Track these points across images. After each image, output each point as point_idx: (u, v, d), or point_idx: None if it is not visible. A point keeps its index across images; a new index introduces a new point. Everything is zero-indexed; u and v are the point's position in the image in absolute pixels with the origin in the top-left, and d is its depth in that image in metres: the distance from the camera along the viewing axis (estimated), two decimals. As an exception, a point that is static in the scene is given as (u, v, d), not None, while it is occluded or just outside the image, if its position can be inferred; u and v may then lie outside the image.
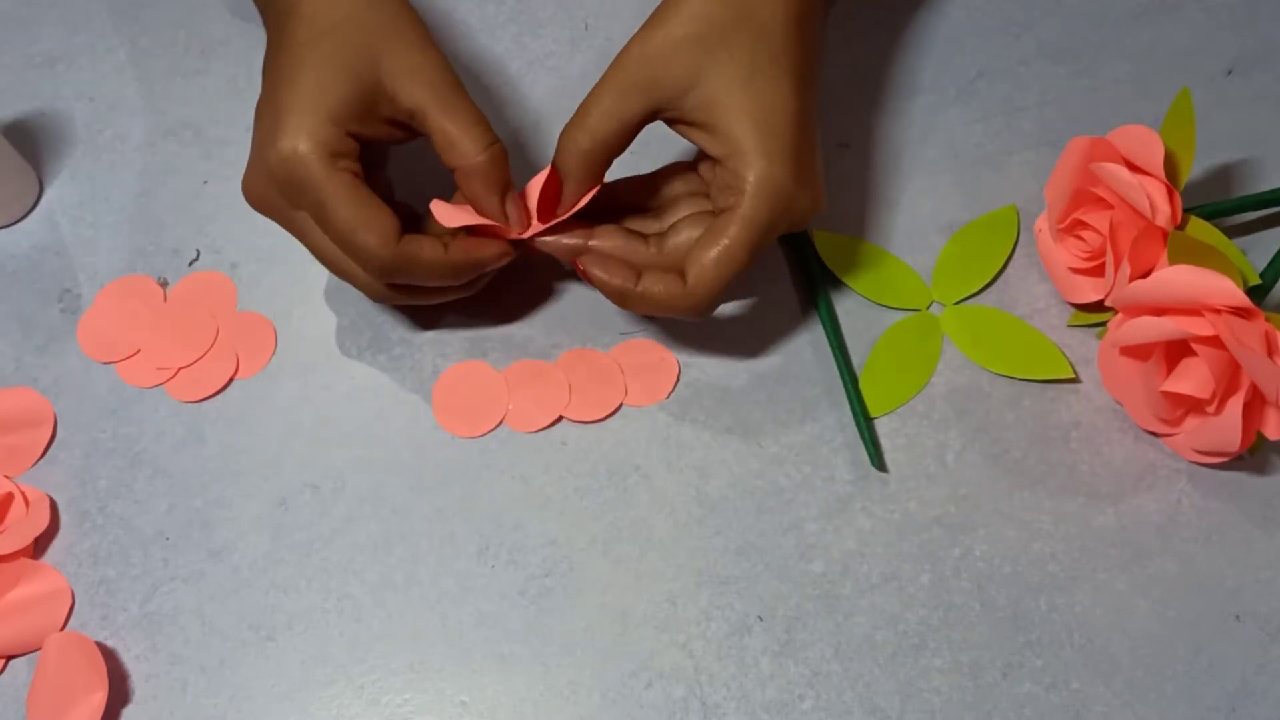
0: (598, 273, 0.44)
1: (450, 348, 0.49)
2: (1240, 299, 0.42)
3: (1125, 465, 0.47)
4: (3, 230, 0.52)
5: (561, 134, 0.44)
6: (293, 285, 0.51)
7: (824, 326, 0.49)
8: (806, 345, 0.49)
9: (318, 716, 0.43)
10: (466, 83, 0.55)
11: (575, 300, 0.50)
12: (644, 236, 0.46)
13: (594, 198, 0.45)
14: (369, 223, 0.41)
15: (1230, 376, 0.43)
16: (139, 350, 0.49)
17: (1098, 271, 0.48)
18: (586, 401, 0.48)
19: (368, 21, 0.42)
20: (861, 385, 0.48)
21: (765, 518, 0.46)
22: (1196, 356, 0.43)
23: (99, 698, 0.42)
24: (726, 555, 0.45)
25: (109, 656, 0.43)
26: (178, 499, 0.46)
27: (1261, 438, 0.44)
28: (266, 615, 0.44)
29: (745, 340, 0.49)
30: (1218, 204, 0.51)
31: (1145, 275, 0.45)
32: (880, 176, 0.53)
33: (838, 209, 0.52)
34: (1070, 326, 0.50)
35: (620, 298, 0.44)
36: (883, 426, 0.48)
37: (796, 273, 0.51)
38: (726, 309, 0.50)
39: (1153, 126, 0.46)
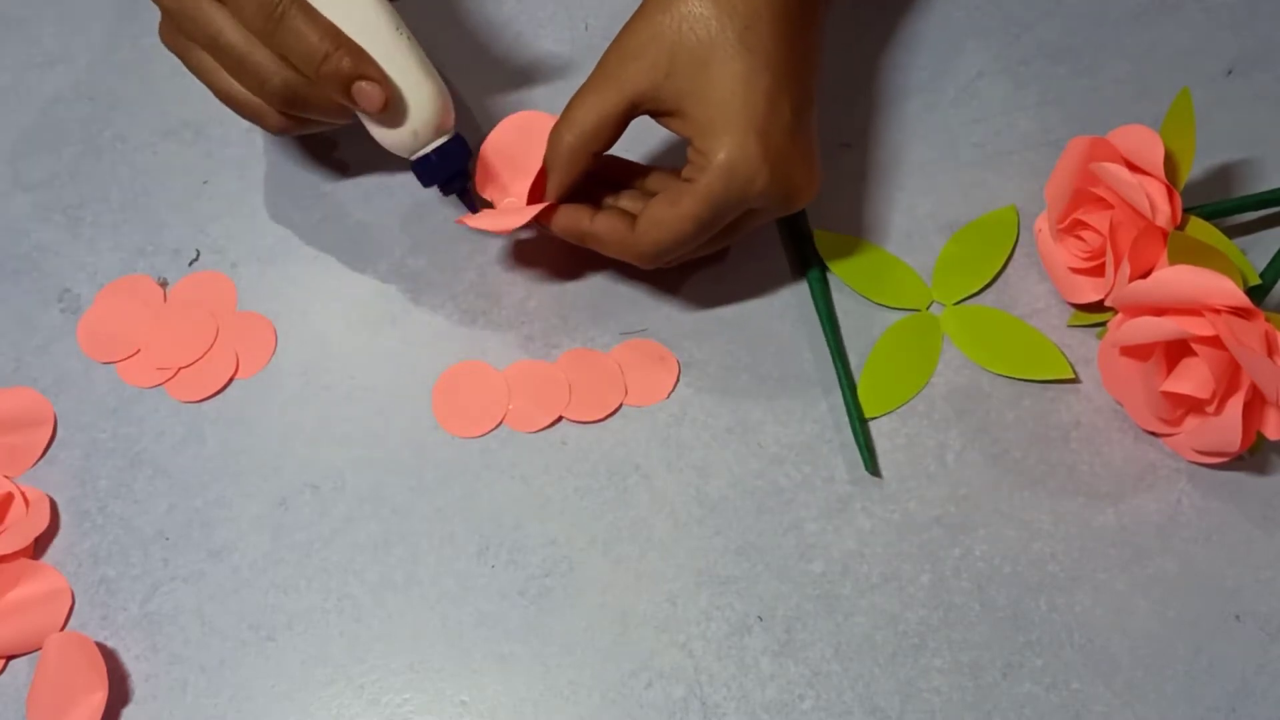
0: (560, 216, 0.46)
1: (450, 348, 0.49)
2: (1240, 299, 0.42)
3: (1125, 465, 0.47)
4: (3, 231, 0.52)
5: (550, 132, 0.46)
6: (293, 285, 0.51)
7: (823, 327, 0.49)
8: (806, 345, 0.49)
9: (318, 716, 0.43)
10: (466, 82, 0.55)
11: (575, 300, 0.50)
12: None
13: (583, 171, 0.46)
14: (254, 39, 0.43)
15: (1230, 376, 0.43)
16: (139, 350, 0.49)
17: (1098, 271, 0.48)
18: (586, 401, 0.48)
19: None
20: (861, 385, 0.48)
21: (765, 518, 0.46)
22: (1196, 356, 0.43)
23: (99, 698, 0.42)
24: (726, 555, 0.45)
25: (109, 656, 0.43)
26: (178, 499, 0.46)
27: (1261, 438, 0.44)
28: (266, 615, 0.44)
29: (745, 340, 0.49)
30: (1218, 204, 0.51)
31: (1145, 275, 0.45)
32: (880, 176, 0.53)
33: (838, 209, 0.52)
34: (1070, 326, 0.50)
35: (574, 233, 0.46)
36: (883, 426, 0.48)
37: (797, 273, 0.51)
38: (727, 309, 0.50)
39: (1153, 126, 0.46)
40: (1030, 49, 0.57)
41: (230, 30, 0.43)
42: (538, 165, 0.47)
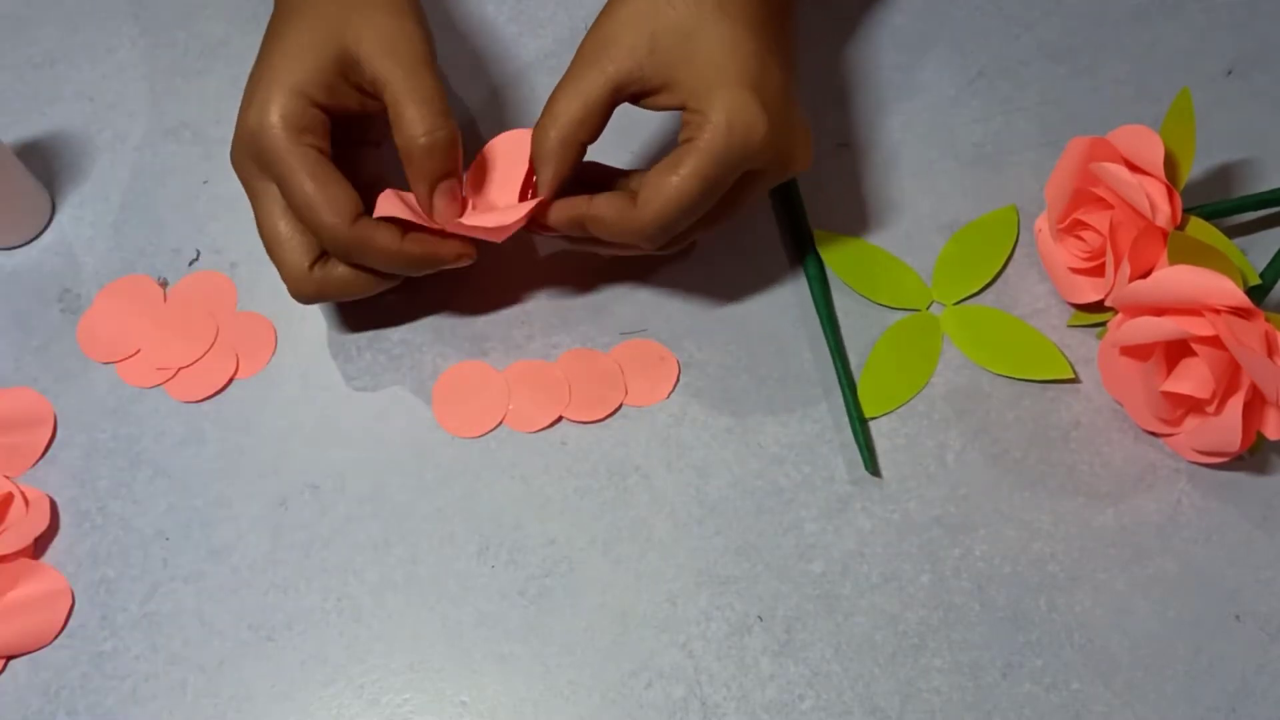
0: (555, 208, 0.44)
1: (450, 348, 0.49)
2: (1240, 299, 0.42)
3: (1125, 465, 0.47)
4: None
5: (533, 130, 0.45)
6: (293, 285, 0.51)
7: (823, 327, 0.49)
8: (806, 345, 0.49)
9: (317, 716, 0.43)
10: (466, 82, 0.55)
11: (575, 300, 0.50)
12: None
13: (568, 178, 0.45)
14: (327, 200, 0.42)
15: (1230, 376, 0.43)
16: (139, 350, 0.49)
17: (1098, 271, 0.48)
18: (586, 401, 0.48)
19: None
20: (861, 385, 0.48)
21: (765, 518, 0.46)
22: (1196, 356, 0.43)
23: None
24: (726, 555, 0.45)
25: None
26: (178, 499, 0.46)
27: (1261, 438, 0.44)
28: (266, 615, 0.44)
29: (745, 340, 0.49)
30: (1218, 204, 0.51)
31: (1145, 275, 0.45)
32: (880, 176, 0.53)
33: (838, 209, 0.52)
34: (1070, 326, 0.50)
35: (573, 222, 0.44)
36: (883, 426, 0.48)
37: (797, 273, 0.51)
38: (727, 309, 0.50)
39: (1153, 126, 0.46)
40: (1030, 49, 0.57)
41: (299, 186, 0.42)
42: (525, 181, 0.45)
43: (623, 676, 0.43)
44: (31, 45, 0.57)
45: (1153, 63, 0.56)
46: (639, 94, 0.44)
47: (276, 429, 0.48)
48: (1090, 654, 0.44)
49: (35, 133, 0.55)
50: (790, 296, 0.51)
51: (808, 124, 0.45)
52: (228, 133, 0.54)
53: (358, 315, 0.50)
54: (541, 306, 0.50)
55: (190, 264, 0.51)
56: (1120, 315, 0.47)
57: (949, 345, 0.49)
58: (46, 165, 0.54)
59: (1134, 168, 0.46)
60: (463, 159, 0.46)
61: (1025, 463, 0.47)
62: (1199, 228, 0.47)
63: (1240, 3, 0.58)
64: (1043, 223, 0.51)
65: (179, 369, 0.49)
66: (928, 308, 0.50)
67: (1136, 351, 0.46)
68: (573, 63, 0.44)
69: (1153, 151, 0.45)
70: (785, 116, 0.43)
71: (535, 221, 0.45)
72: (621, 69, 0.43)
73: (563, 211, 0.44)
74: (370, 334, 0.50)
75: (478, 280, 0.51)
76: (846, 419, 0.48)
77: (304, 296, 0.45)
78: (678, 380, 0.49)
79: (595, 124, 0.44)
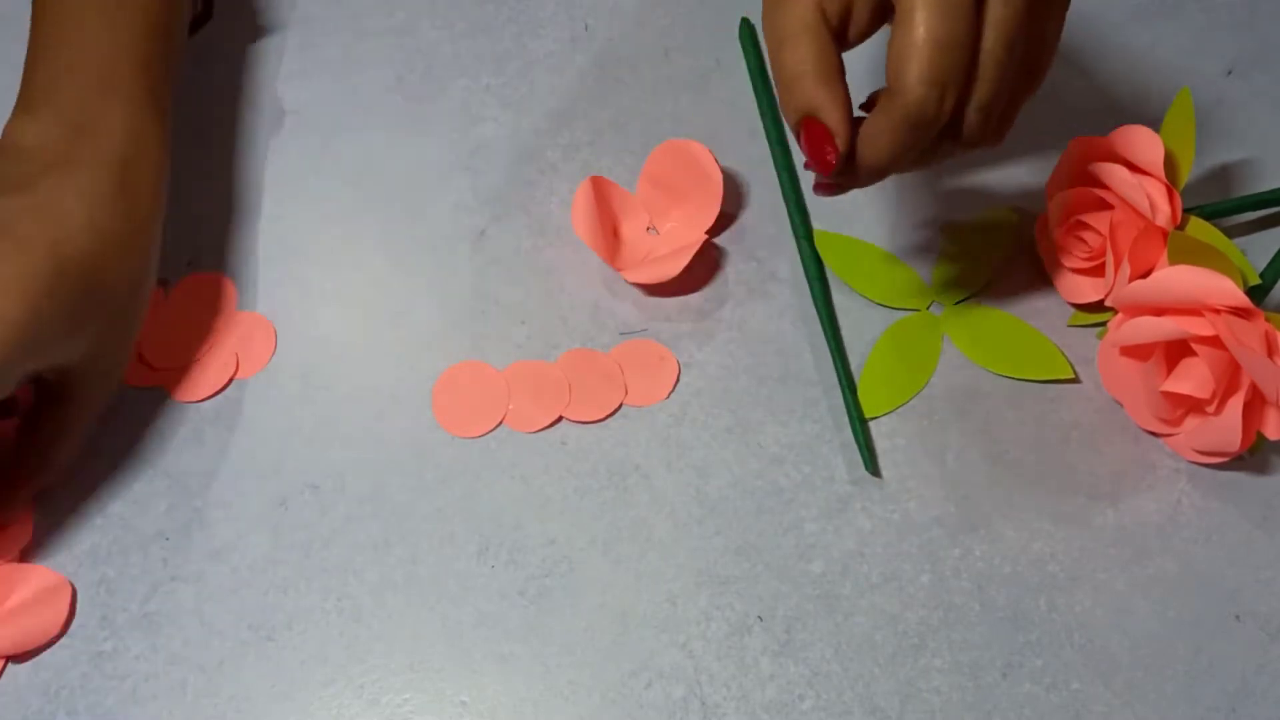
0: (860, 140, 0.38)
1: (450, 348, 0.49)
2: (1240, 299, 0.42)
3: (1125, 465, 0.47)
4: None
5: (770, 59, 0.39)
6: (293, 285, 0.51)
7: (823, 327, 0.49)
8: (806, 345, 0.49)
9: (317, 716, 0.43)
10: (465, 82, 0.55)
11: (575, 300, 0.50)
12: None
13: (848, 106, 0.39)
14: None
15: (1230, 376, 0.43)
16: (139, 350, 0.49)
17: (1098, 271, 0.48)
18: (586, 401, 0.48)
19: None
20: (861, 385, 0.48)
21: (765, 518, 0.46)
22: (1196, 356, 0.43)
23: None
24: (726, 555, 0.45)
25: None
26: (178, 499, 0.46)
27: (1261, 438, 0.44)
28: (266, 615, 0.44)
29: (745, 340, 0.49)
30: (1218, 204, 0.51)
31: (1145, 275, 0.45)
32: (880, 176, 0.53)
33: (838, 209, 0.52)
34: (1070, 326, 0.50)
35: (866, 158, 0.38)
36: (882, 426, 0.48)
37: (797, 273, 0.51)
38: (727, 309, 0.50)
39: (1153, 126, 0.46)
40: (1030, 49, 0.57)
41: None
42: (693, 189, 0.47)
43: (623, 676, 0.43)
44: (31, 45, 0.57)
45: (1153, 63, 0.56)
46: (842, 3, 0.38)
47: (276, 429, 0.48)
48: (1090, 654, 0.44)
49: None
50: (790, 296, 0.51)
51: None
52: (228, 133, 0.55)
53: (358, 316, 0.50)
54: (541, 306, 0.50)
55: (190, 264, 0.51)
56: (1120, 315, 0.47)
57: (949, 345, 0.49)
58: (46, 165, 0.54)
59: (1134, 168, 0.46)
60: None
61: (1025, 463, 0.47)
62: (1199, 228, 0.47)
63: (1240, 3, 0.58)
64: (1043, 223, 0.51)
65: (179, 369, 0.49)
66: (928, 308, 0.50)
67: (1136, 351, 0.46)
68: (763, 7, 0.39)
69: (1153, 151, 0.45)
70: None
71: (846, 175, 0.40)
72: None
73: (872, 146, 0.38)
74: (370, 334, 0.50)
75: (478, 280, 0.51)
76: (846, 419, 0.48)
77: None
78: (678, 380, 0.49)
79: (820, 39, 0.37)
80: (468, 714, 0.43)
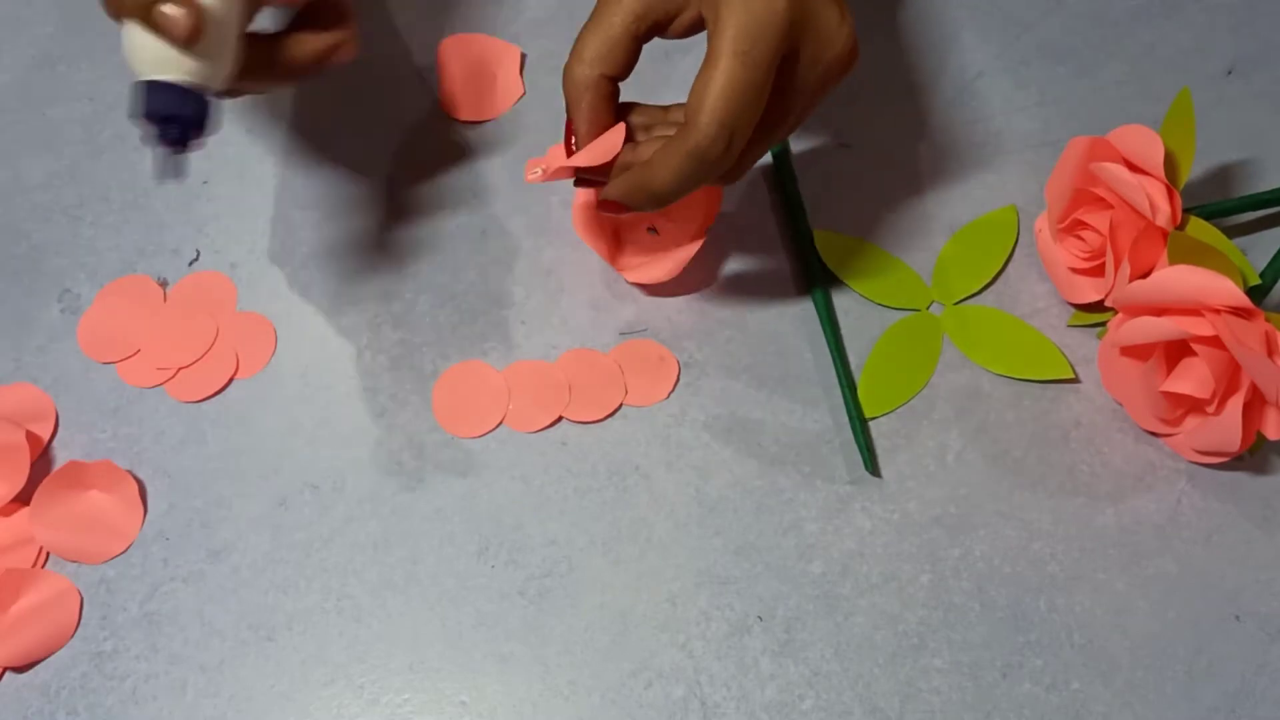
0: (613, 182, 0.43)
1: (450, 348, 0.49)
2: (1240, 299, 0.42)
3: (1125, 465, 0.47)
4: (3, 231, 0.52)
5: (561, 76, 0.43)
6: (293, 285, 0.51)
7: (823, 327, 0.49)
8: (806, 345, 0.49)
9: (317, 716, 0.43)
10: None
11: (575, 300, 0.50)
12: None
13: (605, 117, 0.43)
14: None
15: (1230, 376, 0.43)
16: (139, 350, 0.49)
17: (1098, 271, 0.48)
18: (586, 401, 0.48)
19: None
20: (861, 385, 0.48)
21: (765, 518, 0.46)
22: (1196, 356, 0.43)
23: None
24: (726, 555, 0.45)
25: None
26: (178, 499, 0.46)
27: (1261, 438, 0.44)
28: (266, 615, 0.44)
29: (745, 340, 0.49)
30: (1218, 204, 0.51)
31: (1145, 275, 0.45)
32: (880, 176, 0.53)
33: (838, 209, 0.52)
34: (1070, 326, 0.50)
35: (631, 181, 0.42)
36: (883, 426, 0.48)
37: (797, 273, 0.51)
38: (727, 309, 0.50)
39: (1153, 126, 0.46)
40: (1030, 49, 0.57)
41: None
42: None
43: (623, 676, 0.43)
44: (31, 45, 0.57)
45: (1153, 63, 0.56)
46: (662, 21, 0.42)
47: (276, 429, 0.48)
48: (1090, 654, 0.44)
49: (35, 133, 0.55)
50: (790, 296, 0.51)
51: (845, 5, 0.43)
52: (227, 133, 0.55)
53: (358, 315, 0.50)
54: (541, 306, 0.50)
55: (190, 264, 0.51)
56: (1120, 315, 0.47)
57: (949, 345, 0.49)
58: (47, 165, 0.54)
59: (1134, 168, 0.46)
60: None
61: (1025, 463, 0.47)
62: (1199, 228, 0.47)
63: (1240, 3, 0.58)
64: (1043, 223, 0.51)
65: (179, 369, 0.49)
66: (928, 308, 0.50)
67: (1136, 351, 0.46)
68: (594, 9, 0.43)
69: (1153, 151, 0.45)
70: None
71: (601, 200, 0.44)
72: (645, 4, 0.41)
73: (622, 170, 0.43)
74: (370, 334, 0.50)
75: (478, 280, 0.51)
76: (846, 419, 0.48)
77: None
78: (678, 380, 0.49)
79: (621, 59, 0.42)
80: (468, 714, 0.43)
